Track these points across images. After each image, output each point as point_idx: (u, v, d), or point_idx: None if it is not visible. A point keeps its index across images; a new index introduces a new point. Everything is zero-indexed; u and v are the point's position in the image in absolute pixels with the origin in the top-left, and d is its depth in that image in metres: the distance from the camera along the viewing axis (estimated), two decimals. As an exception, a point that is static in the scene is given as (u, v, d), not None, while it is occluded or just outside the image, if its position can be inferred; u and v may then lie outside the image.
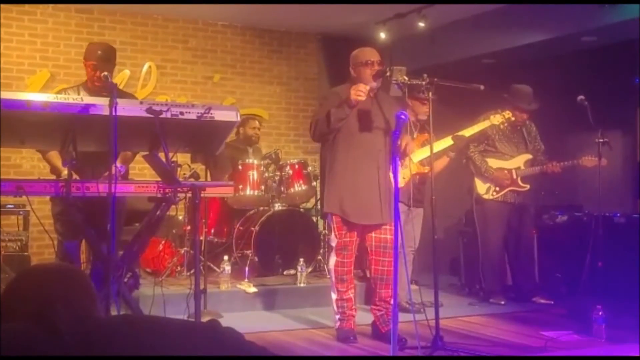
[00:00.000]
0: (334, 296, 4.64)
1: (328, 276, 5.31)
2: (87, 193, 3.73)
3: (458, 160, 5.79)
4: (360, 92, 4.24)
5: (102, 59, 4.35)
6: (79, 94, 4.17)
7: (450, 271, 7.21)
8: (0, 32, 6.95)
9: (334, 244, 4.60)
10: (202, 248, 5.67)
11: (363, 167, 4.47)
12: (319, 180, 6.39)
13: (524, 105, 5.84)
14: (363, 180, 4.47)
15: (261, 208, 6.35)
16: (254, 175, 6.27)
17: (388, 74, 4.29)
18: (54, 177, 4.30)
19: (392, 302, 3.84)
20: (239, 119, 4.00)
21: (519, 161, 5.98)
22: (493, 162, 5.95)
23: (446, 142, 5.17)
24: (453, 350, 4.09)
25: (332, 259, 4.62)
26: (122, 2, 7.09)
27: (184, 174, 5.65)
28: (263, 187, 6.29)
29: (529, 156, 5.99)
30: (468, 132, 5.23)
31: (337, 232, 4.55)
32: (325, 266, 6.01)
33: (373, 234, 4.53)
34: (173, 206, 4.00)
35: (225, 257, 5.82)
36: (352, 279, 4.65)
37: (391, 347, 3.67)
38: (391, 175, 4.34)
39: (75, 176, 3.91)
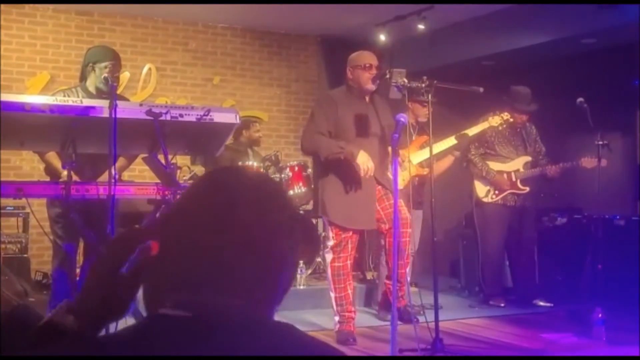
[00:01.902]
0: (332, 294, 4.64)
1: (325, 275, 5.33)
2: (87, 195, 3.72)
3: (458, 162, 5.81)
4: (365, 172, 4.31)
5: (117, 59, 4.38)
6: (78, 96, 4.16)
7: (450, 273, 7.21)
8: (0, 34, 6.96)
9: (330, 244, 4.61)
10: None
11: (357, 173, 4.45)
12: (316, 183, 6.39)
13: (523, 106, 5.84)
14: (357, 185, 4.47)
15: (261, 210, 6.34)
16: (253, 177, 6.25)
17: (388, 76, 4.29)
18: (49, 178, 4.30)
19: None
20: (238, 121, 4.00)
21: (518, 163, 5.98)
22: (493, 165, 5.95)
23: (450, 141, 5.21)
24: (453, 353, 4.08)
25: (328, 257, 4.64)
26: (123, 1, 7.06)
27: (184, 176, 5.65)
28: (263, 189, 6.28)
29: (528, 158, 6.00)
30: (471, 131, 5.27)
31: (334, 234, 4.57)
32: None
33: (386, 239, 4.56)
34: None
35: (225, 259, 5.81)
36: (348, 275, 4.64)
37: (390, 347, 3.68)
38: (390, 176, 4.35)
39: (75, 178, 3.91)
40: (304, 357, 0.91)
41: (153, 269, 0.98)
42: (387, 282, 4.73)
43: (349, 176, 4.48)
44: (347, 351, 4.42)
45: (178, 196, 3.85)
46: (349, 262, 4.63)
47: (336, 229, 4.55)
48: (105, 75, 4.22)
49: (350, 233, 4.55)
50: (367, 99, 4.55)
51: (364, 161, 4.32)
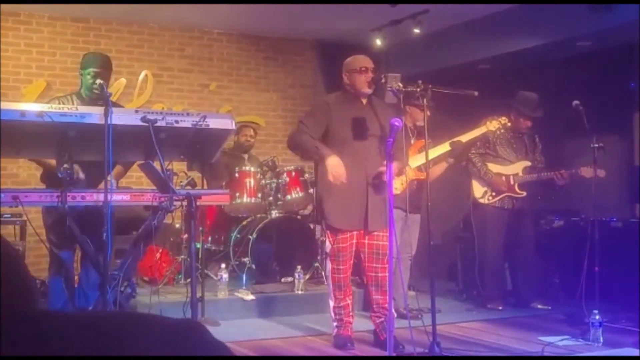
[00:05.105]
0: (331, 303, 4.64)
1: (326, 283, 5.32)
2: (83, 202, 3.73)
3: (457, 165, 5.80)
4: (334, 177, 4.29)
5: (103, 67, 4.37)
6: (72, 103, 4.17)
7: (447, 277, 7.20)
8: (-4, 42, 6.97)
9: (328, 250, 4.61)
10: (200, 256, 5.66)
11: (352, 175, 4.43)
12: (315, 187, 6.39)
13: (528, 112, 5.84)
14: (351, 187, 4.44)
15: (258, 215, 6.35)
16: (250, 182, 6.27)
17: (383, 80, 4.30)
18: (45, 185, 4.30)
19: (388, 285, 3.93)
20: (234, 126, 4.01)
21: (518, 167, 5.97)
22: (492, 167, 5.95)
23: (443, 147, 5.16)
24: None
25: (328, 266, 4.64)
26: (121, 2, 6.97)
27: (181, 181, 5.65)
28: (260, 195, 6.28)
29: (527, 163, 5.98)
30: (465, 137, 5.22)
31: (330, 238, 4.57)
32: (323, 273, 6.02)
33: (366, 241, 4.53)
34: (170, 214, 4.00)
35: (223, 265, 5.81)
36: (349, 286, 4.64)
37: (387, 347, 3.68)
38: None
39: None
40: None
41: None
42: (373, 314, 4.68)
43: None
44: (345, 356, 4.42)
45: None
46: (349, 273, 4.62)
47: (331, 234, 4.55)
48: (90, 81, 4.24)
49: (347, 242, 4.54)
50: (364, 101, 4.56)
51: (332, 165, 4.28)
